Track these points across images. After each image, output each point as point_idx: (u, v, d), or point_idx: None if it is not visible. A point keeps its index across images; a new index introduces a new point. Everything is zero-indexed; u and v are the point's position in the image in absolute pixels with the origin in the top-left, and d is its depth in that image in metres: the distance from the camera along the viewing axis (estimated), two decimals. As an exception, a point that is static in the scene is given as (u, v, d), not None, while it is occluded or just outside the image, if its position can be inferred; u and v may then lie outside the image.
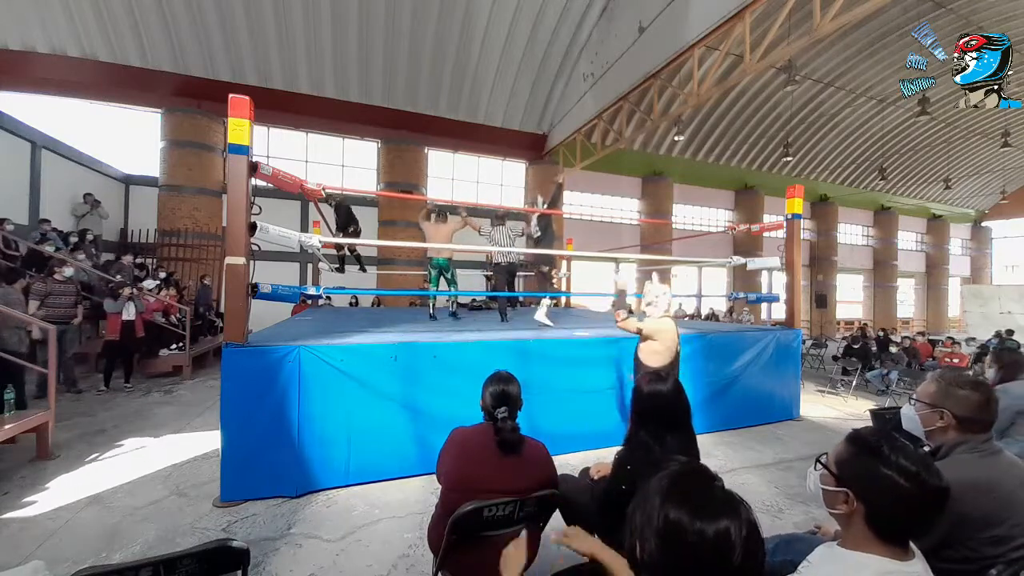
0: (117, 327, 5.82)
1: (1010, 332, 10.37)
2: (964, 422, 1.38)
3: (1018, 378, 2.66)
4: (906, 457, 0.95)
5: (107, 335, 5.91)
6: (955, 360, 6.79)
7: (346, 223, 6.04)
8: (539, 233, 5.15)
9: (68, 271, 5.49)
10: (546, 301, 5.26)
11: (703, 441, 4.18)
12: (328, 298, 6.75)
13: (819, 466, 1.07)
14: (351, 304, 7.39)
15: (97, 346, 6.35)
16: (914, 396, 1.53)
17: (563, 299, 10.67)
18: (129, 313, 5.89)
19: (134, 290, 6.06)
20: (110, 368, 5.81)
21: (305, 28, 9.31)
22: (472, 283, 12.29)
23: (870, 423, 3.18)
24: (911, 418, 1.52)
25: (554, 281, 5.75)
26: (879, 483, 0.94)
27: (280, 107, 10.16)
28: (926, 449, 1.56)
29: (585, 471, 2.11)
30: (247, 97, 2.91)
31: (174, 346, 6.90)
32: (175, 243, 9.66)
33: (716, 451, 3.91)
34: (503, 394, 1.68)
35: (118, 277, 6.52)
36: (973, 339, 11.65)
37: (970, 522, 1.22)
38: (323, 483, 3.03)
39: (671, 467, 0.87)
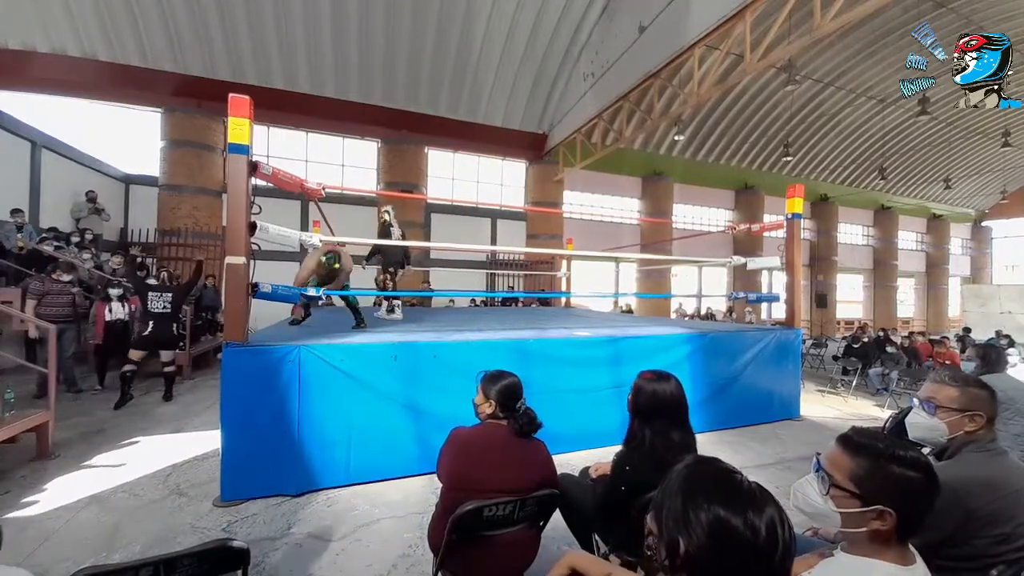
0: (101, 330, 5.84)
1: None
2: (989, 421, 1.38)
3: (996, 372, 2.96)
4: (903, 448, 0.93)
5: (95, 339, 5.91)
6: (946, 361, 6.76)
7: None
8: (399, 233, 5.28)
9: (67, 276, 5.47)
10: (386, 302, 5.65)
11: (703, 440, 4.17)
12: (328, 298, 6.72)
13: (833, 489, 0.95)
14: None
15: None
16: (933, 403, 1.45)
17: (563, 299, 10.68)
18: (114, 314, 5.85)
19: (123, 291, 6.03)
20: (103, 367, 5.81)
21: (305, 27, 9.30)
22: (472, 282, 12.31)
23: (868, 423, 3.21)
24: (924, 426, 1.47)
25: (392, 283, 5.50)
26: (902, 486, 0.89)
27: (280, 107, 10.15)
28: (926, 451, 1.56)
29: (585, 471, 2.11)
30: (247, 97, 2.91)
31: (174, 346, 6.88)
32: (175, 243, 9.64)
33: (716, 450, 3.91)
34: (516, 385, 1.74)
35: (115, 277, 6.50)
36: (947, 336, 11.58)
37: (976, 520, 1.23)
38: (323, 483, 3.03)
39: (685, 463, 0.80)
